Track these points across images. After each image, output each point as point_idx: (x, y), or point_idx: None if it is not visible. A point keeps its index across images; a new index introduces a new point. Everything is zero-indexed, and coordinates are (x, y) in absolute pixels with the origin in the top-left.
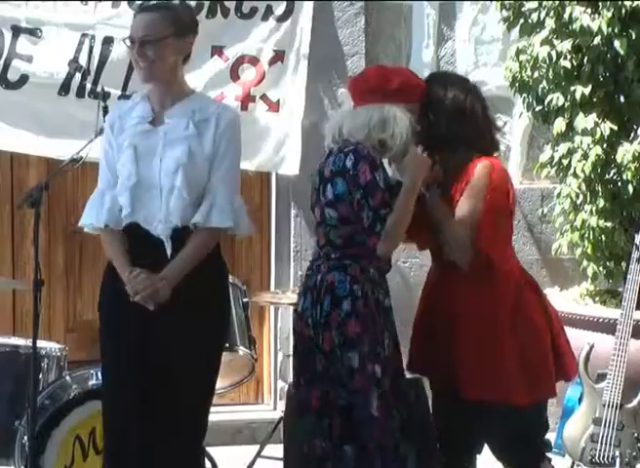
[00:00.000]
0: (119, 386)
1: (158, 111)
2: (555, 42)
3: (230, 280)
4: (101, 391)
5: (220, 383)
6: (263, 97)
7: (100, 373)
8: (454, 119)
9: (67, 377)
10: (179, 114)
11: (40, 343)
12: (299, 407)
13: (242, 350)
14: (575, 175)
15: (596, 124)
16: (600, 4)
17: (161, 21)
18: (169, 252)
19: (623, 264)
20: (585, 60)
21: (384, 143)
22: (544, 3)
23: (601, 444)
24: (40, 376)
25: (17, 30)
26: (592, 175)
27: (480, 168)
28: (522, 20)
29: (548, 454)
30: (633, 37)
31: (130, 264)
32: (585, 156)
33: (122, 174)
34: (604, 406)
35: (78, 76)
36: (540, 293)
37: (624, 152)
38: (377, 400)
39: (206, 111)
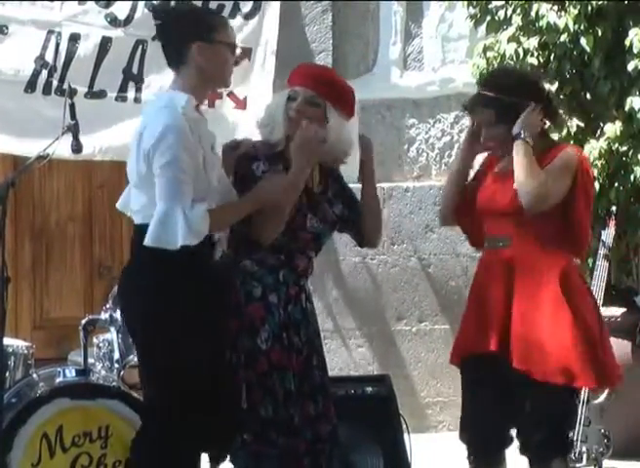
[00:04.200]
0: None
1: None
2: (522, 39)
3: None
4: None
5: None
6: (230, 95)
7: (67, 371)
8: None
9: (34, 375)
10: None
11: (7, 341)
12: None
13: None
14: None
15: (563, 121)
16: (567, 2)
17: None
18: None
19: (590, 261)
20: (552, 58)
21: (261, 123)
22: (511, 1)
23: None
24: (7, 374)
25: None
26: None
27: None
28: (489, 18)
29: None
30: (599, 34)
31: None
32: None
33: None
34: None
35: (44, 73)
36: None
37: (591, 149)
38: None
39: None
